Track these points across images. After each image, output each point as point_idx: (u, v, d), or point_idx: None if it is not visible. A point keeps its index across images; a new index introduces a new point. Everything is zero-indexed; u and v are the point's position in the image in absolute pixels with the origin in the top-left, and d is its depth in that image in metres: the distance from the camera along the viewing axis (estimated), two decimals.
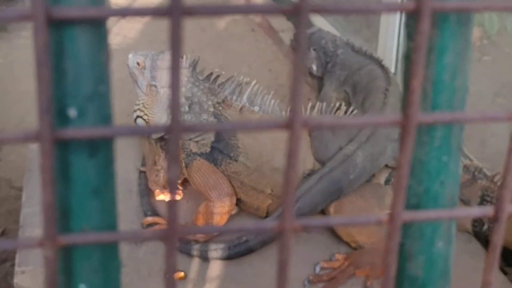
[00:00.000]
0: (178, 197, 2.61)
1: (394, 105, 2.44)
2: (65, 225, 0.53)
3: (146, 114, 2.41)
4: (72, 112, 0.49)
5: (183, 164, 2.41)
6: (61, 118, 0.50)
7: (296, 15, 0.48)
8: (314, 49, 2.81)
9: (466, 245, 2.37)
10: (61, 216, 0.52)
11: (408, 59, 0.56)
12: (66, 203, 0.52)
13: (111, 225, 0.54)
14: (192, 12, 0.47)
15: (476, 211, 0.56)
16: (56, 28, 0.48)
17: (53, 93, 0.50)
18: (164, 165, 2.54)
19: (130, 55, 2.47)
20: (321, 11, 0.48)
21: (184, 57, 2.45)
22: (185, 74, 2.43)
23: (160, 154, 2.52)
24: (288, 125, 0.50)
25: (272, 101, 2.45)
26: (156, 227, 2.39)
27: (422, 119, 0.51)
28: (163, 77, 2.42)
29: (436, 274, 0.61)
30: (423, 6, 0.48)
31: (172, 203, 0.52)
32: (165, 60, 2.43)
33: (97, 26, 0.49)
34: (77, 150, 0.51)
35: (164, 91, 2.41)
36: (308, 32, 2.81)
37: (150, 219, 2.43)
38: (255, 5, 0.48)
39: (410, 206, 0.59)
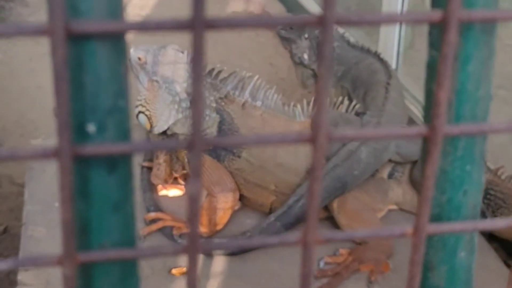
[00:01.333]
0: (180, 192, 2.61)
1: (395, 99, 2.42)
2: (84, 241, 0.52)
3: (148, 110, 2.39)
4: (91, 128, 0.48)
5: (186, 160, 2.40)
6: (80, 133, 0.49)
7: (320, 26, 0.47)
8: (306, 38, 2.77)
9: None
10: (80, 232, 0.51)
11: (431, 68, 0.54)
12: (86, 219, 0.51)
13: (131, 240, 0.53)
14: (214, 25, 0.45)
15: (501, 223, 0.55)
16: (75, 42, 0.47)
17: (72, 108, 0.48)
18: (166, 159, 2.52)
19: (132, 50, 2.45)
20: (346, 22, 0.47)
21: (185, 52, 2.44)
22: (186, 69, 2.41)
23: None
24: (312, 138, 0.49)
25: (275, 96, 2.43)
26: (159, 223, 2.37)
27: (448, 131, 0.50)
28: (165, 72, 2.40)
29: (458, 284, 0.60)
30: (450, 16, 0.47)
31: (193, 217, 0.51)
32: (167, 55, 2.41)
33: (116, 39, 0.48)
34: (96, 166, 0.49)
35: (166, 87, 2.39)
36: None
37: (153, 214, 2.41)
38: (278, 16, 0.47)
39: (432, 216, 0.58)
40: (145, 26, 0.45)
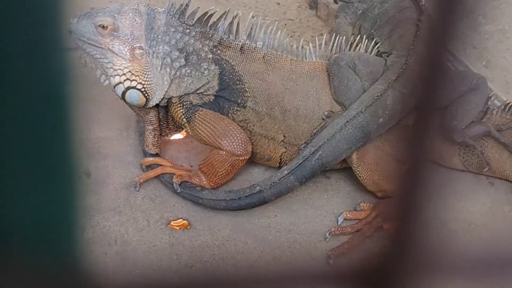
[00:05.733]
0: (181, 136, 2.23)
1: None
2: None
3: (140, 83, 1.96)
4: None
5: (184, 120, 2.01)
6: None
7: None
8: None
9: (506, 195, 2.04)
10: None
11: None
12: None
13: None
14: None
15: None
16: None
17: None
18: (150, 128, 2.09)
19: (75, 20, 1.92)
20: None
21: (168, 4, 2.00)
22: (171, 24, 1.99)
23: (145, 117, 2.08)
24: None
25: (278, 33, 2.06)
26: (158, 169, 2.02)
27: None
28: (149, 35, 1.95)
29: None
30: None
31: None
32: (141, 13, 1.97)
33: None
34: None
35: (153, 51, 1.96)
36: None
37: (150, 159, 2.07)
38: None
39: None
40: None
